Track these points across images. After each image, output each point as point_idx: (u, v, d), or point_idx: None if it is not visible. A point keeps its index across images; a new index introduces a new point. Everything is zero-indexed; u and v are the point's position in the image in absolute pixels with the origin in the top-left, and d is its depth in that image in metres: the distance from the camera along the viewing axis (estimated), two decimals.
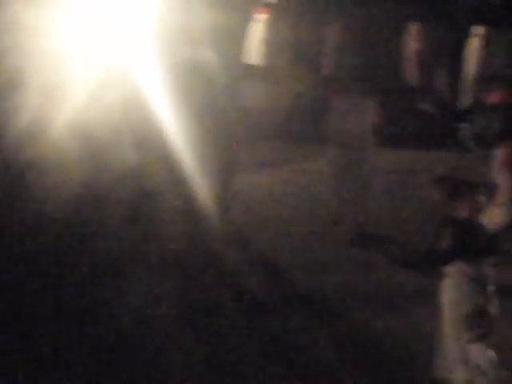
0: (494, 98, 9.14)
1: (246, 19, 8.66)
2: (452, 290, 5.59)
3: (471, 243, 5.55)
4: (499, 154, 8.81)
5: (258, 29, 12.44)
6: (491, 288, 5.56)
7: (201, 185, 7.92)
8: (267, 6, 12.79)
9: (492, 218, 5.88)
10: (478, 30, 11.71)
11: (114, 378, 5.56)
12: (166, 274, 7.26)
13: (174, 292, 7.01)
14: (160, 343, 6.04)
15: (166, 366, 5.80)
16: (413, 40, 12.02)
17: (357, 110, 9.03)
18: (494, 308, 5.55)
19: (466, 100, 11.76)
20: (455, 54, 12.01)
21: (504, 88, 9.12)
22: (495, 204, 6.13)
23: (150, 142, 7.91)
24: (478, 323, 5.50)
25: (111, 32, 7.16)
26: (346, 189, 9.13)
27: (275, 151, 12.16)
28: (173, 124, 7.95)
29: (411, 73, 11.87)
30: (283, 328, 6.62)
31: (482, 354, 5.49)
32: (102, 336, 5.96)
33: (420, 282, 7.39)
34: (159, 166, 7.94)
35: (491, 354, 5.50)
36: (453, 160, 11.52)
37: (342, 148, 9.08)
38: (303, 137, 12.32)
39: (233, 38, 8.52)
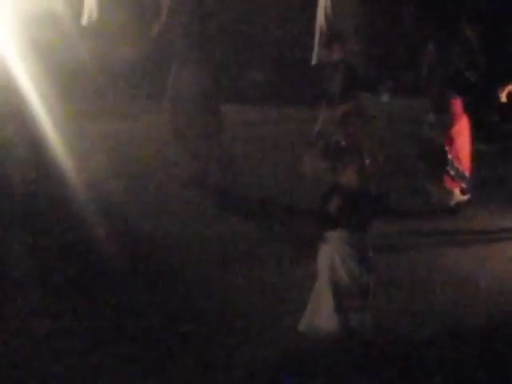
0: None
1: None
2: (330, 255, 5.58)
3: (355, 209, 5.54)
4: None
5: None
6: (370, 257, 5.62)
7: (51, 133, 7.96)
8: None
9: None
10: None
11: None
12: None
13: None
14: None
15: None
16: None
17: (189, 74, 8.87)
18: (371, 277, 5.60)
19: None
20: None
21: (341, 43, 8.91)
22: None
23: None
24: (353, 293, 5.52)
25: None
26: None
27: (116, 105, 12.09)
28: (25, 76, 7.93)
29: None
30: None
31: (353, 321, 5.54)
32: None
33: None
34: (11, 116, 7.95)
35: (364, 321, 5.59)
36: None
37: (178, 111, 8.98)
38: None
39: None
